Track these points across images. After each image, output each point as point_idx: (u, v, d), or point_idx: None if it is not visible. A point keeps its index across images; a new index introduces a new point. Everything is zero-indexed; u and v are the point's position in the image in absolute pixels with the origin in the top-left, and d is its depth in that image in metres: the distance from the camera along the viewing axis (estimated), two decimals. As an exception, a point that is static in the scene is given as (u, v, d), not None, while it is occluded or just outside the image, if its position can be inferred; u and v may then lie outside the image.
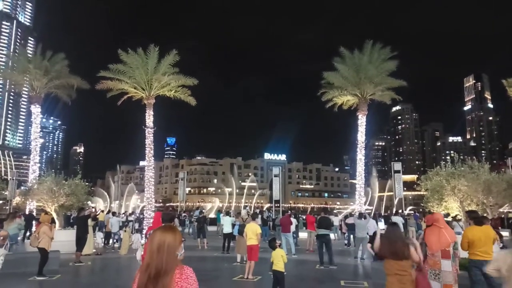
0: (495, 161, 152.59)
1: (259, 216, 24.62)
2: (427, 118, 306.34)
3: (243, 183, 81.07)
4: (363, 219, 15.92)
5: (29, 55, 32.59)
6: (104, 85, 24.87)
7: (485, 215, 13.34)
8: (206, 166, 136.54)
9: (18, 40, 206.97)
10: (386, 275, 4.84)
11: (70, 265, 12.68)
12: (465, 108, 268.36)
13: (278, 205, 32.09)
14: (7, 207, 30.53)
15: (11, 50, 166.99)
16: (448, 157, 15.94)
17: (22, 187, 33.09)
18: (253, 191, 75.51)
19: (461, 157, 15.73)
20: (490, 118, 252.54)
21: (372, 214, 24.19)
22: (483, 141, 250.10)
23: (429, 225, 7.01)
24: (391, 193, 33.29)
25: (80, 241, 13.22)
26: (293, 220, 18.47)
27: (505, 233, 19.08)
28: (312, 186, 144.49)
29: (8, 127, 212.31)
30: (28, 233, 19.37)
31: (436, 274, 6.37)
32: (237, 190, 70.22)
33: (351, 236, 18.96)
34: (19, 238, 19.09)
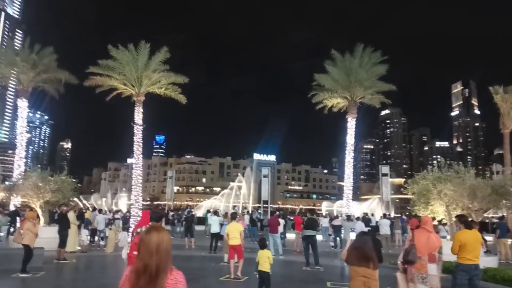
0: (480, 167, 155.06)
1: (248, 216, 24.65)
2: (415, 122, 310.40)
3: (232, 183, 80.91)
4: (350, 221, 16.03)
5: (16, 47, 32.06)
6: (93, 81, 24.57)
7: (470, 219, 13.58)
8: (195, 165, 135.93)
9: (6, 33, 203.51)
10: (351, 281, 4.75)
11: (55, 262, 12.49)
12: (453, 114, 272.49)
13: (267, 205, 32.15)
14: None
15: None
16: (435, 162, 16.16)
17: (6, 182, 32.49)
18: (241, 191, 75.37)
19: (448, 161, 15.94)
20: (477, 124, 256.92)
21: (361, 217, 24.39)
22: (469, 147, 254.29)
23: (414, 228, 7.09)
24: (378, 196, 33.67)
25: (60, 238, 13.05)
26: (281, 221, 18.50)
27: (489, 238, 19.41)
28: (301, 188, 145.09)
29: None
30: (12, 229, 19.03)
31: (423, 278, 6.43)
32: (227, 190, 70.14)
33: (337, 238, 19.08)
34: (1, 234, 18.78)
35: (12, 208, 22.02)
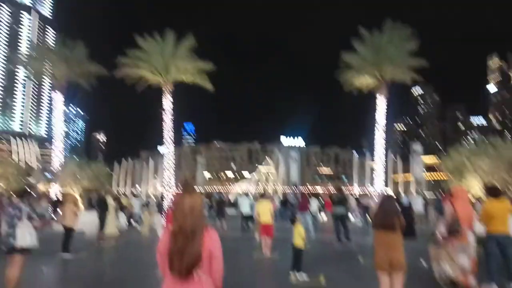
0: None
1: (278, 198, 24.83)
2: (449, 99, 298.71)
3: (260, 167, 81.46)
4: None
5: (49, 44, 33.26)
6: (123, 72, 25.25)
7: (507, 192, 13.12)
8: (224, 152, 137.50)
9: (39, 31, 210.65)
10: (375, 245, 4.90)
11: (95, 244, 13.18)
12: (489, 88, 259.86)
13: (296, 188, 32.22)
14: (34, 194, 31.65)
15: (34, 41, 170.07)
16: (469, 137, 15.60)
17: (46, 174, 34.16)
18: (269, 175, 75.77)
19: (483, 137, 15.36)
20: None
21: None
22: (506, 122, 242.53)
23: (451, 199, 6.96)
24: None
25: (100, 220, 13.71)
26: (314, 201, 18.62)
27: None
28: (330, 170, 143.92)
29: (31, 116, 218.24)
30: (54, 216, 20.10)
31: (463, 248, 6.37)
32: (257, 174, 70.64)
33: (368, 216, 18.96)
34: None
35: (53, 196, 23.22)
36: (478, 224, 6.85)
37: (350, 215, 19.77)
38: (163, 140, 26.75)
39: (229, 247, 12.49)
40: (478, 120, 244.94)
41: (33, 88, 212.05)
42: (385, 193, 18.31)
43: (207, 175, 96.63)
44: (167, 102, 26.29)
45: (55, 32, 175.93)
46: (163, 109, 26.42)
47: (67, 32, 28.39)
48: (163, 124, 26.60)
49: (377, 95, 27.84)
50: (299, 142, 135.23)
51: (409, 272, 4.88)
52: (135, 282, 7.59)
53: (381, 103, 27.79)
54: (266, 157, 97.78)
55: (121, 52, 24.92)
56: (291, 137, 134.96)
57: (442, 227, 6.64)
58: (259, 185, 64.17)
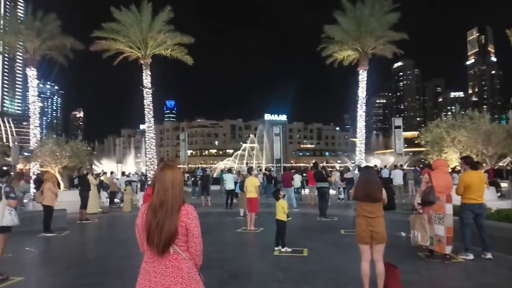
0: (496, 116, 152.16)
1: (261, 175, 24.94)
2: (429, 73, 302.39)
3: (244, 144, 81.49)
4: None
5: (20, 15, 31.67)
6: (99, 46, 24.41)
7: (484, 165, 13.50)
8: (206, 128, 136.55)
9: (8, 2, 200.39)
10: (355, 216, 4.95)
11: (77, 223, 13.05)
12: (468, 63, 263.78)
13: (279, 164, 32.33)
14: (11, 172, 30.86)
15: (1, 13, 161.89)
16: (449, 113, 15.84)
17: (24, 153, 33.28)
18: (254, 151, 75.93)
19: (463, 111, 15.62)
20: (493, 72, 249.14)
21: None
22: (485, 96, 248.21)
23: (430, 170, 7.10)
24: (392, 150, 33.45)
25: (81, 199, 13.52)
26: (298, 177, 18.84)
27: (504, 184, 19.46)
28: (313, 146, 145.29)
29: (5, 93, 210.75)
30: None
31: (440, 218, 6.55)
32: (240, 151, 70.80)
33: (350, 190, 19.30)
34: (25, 201, 19.53)
35: (33, 176, 22.67)
36: (455, 195, 7.00)
37: (333, 190, 20.09)
38: (144, 117, 26.30)
39: (214, 222, 12.65)
40: (458, 94, 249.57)
41: (5, 64, 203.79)
42: (366, 164, 18.66)
43: (189, 152, 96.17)
44: (146, 77, 25.69)
45: (25, 4, 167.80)
46: (143, 86, 25.84)
47: (38, 3, 26.91)
48: (144, 101, 26.07)
49: (359, 69, 27.89)
50: (282, 118, 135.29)
51: (389, 242, 4.96)
52: (117, 260, 7.55)
53: (362, 77, 27.88)
54: (250, 134, 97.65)
55: (97, 26, 24.03)
56: (275, 115, 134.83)
57: (419, 197, 6.81)
58: (242, 162, 64.32)
